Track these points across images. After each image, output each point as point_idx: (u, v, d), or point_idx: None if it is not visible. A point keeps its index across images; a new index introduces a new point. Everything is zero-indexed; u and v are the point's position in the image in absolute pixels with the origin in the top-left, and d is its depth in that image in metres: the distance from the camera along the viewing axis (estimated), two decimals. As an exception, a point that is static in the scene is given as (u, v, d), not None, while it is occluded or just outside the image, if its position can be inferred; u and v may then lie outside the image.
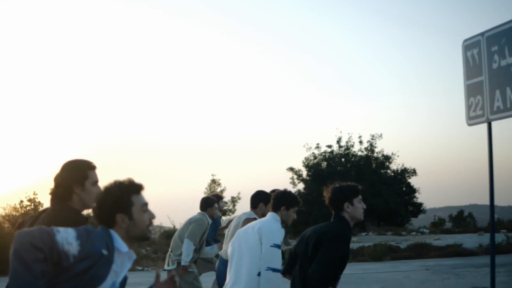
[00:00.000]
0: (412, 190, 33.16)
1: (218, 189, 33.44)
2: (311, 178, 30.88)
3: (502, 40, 6.54)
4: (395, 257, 17.57)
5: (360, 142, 31.96)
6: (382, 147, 34.81)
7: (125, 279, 2.59)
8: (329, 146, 31.67)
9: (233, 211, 33.39)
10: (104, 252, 2.39)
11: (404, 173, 32.79)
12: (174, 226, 26.76)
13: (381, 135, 31.84)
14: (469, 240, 21.01)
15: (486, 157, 6.77)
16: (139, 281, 11.72)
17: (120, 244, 2.49)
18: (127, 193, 2.52)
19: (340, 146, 31.92)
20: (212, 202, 7.50)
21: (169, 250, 7.63)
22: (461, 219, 42.69)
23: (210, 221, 7.52)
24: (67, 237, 2.32)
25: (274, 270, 4.28)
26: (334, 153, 31.69)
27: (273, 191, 5.31)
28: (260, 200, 5.71)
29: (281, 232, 4.54)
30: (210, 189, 33.46)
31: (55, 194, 3.20)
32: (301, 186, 31.34)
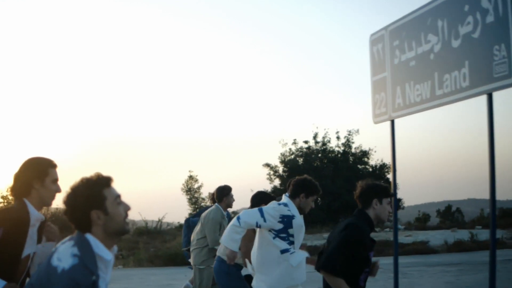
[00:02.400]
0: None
1: (196, 186, 33.21)
2: (287, 174, 30.56)
3: (403, 34, 6.23)
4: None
5: (338, 137, 31.67)
6: (360, 142, 34.54)
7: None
8: (306, 142, 31.38)
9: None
10: (92, 278, 2.30)
11: (383, 169, 32.47)
12: (146, 224, 26.51)
13: (357, 131, 31.58)
14: (440, 237, 20.71)
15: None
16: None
17: (102, 250, 2.39)
18: (97, 188, 2.41)
19: (316, 142, 31.62)
20: (228, 191, 7.34)
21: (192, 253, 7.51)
22: (449, 214, 42.59)
23: (224, 213, 7.36)
24: None
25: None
26: (311, 149, 31.39)
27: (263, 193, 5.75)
28: (262, 201, 5.50)
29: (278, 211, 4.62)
30: (187, 186, 33.21)
31: (13, 190, 3.24)
32: (277, 182, 30.99)
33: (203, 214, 7.41)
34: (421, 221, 35.89)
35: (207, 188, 33.42)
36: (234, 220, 4.68)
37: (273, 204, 4.77)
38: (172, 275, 13.83)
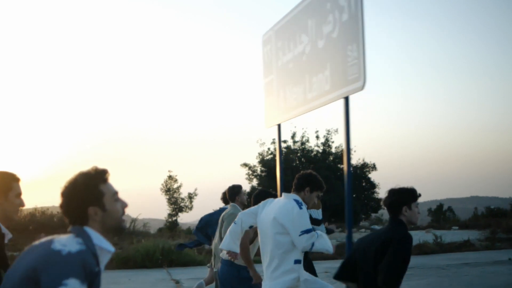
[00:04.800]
0: (372, 186, 32.51)
1: (175, 186, 32.93)
2: (265, 174, 30.27)
3: (285, 34, 5.90)
4: (316, 256, 16.95)
5: (317, 137, 31.35)
6: (341, 142, 34.13)
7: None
8: (284, 142, 31.04)
9: (190, 207, 32.88)
10: (96, 269, 2.23)
11: (364, 168, 32.12)
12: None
13: (337, 130, 31.22)
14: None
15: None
16: None
17: (102, 241, 2.33)
18: (95, 183, 2.35)
19: (294, 142, 31.29)
20: (239, 189, 7.18)
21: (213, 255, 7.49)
22: (440, 213, 42.24)
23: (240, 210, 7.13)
24: None
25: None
26: (290, 148, 31.06)
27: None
28: (263, 199, 5.35)
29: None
30: (166, 185, 32.94)
31: None
32: (256, 182, 30.70)
33: (224, 215, 7.17)
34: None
35: (186, 188, 33.19)
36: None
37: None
38: (115, 279, 13.51)
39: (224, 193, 7.74)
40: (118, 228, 2.43)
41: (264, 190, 5.78)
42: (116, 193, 2.43)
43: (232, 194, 7.09)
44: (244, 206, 7.26)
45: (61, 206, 2.38)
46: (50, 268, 2.13)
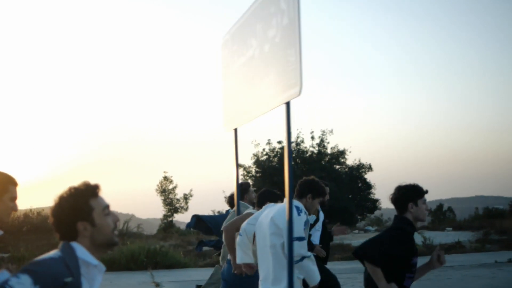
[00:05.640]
0: (368, 186, 32.40)
1: (170, 186, 32.93)
2: (260, 174, 30.22)
3: (239, 37, 5.81)
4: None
5: (312, 137, 31.28)
6: (336, 142, 34.04)
7: None
8: (279, 142, 30.97)
9: (185, 208, 32.87)
10: (67, 279, 2.20)
11: (359, 169, 32.02)
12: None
13: (331, 131, 31.15)
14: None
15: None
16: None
17: (87, 255, 2.32)
18: (84, 198, 2.34)
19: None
20: (247, 187, 7.23)
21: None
22: (440, 213, 42.06)
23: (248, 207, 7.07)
24: None
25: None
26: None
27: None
28: (267, 199, 5.36)
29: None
30: (161, 186, 32.94)
31: None
32: (250, 183, 30.66)
33: (233, 213, 7.08)
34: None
35: (182, 189, 33.18)
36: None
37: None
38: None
39: (230, 197, 7.59)
40: (109, 243, 2.40)
41: (268, 190, 5.71)
42: (106, 207, 2.40)
43: (241, 193, 6.97)
44: (253, 204, 7.15)
45: (52, 222, 2.37)
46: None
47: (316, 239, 6.79)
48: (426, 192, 4.17)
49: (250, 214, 5.37)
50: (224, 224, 6.41)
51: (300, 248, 4.50)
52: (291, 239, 4.48)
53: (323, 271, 5.92)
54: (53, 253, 2.30)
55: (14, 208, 3.28)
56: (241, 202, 6.92)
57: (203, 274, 12.04)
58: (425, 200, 4.14)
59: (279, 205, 4.72)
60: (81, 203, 2.33)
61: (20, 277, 2.16)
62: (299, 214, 4.54)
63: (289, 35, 4.44)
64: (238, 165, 6.18)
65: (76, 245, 2.32)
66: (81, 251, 2.31)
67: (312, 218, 6.40)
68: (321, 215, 7.08)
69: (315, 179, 4.83)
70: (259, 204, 5.51)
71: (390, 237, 4.04)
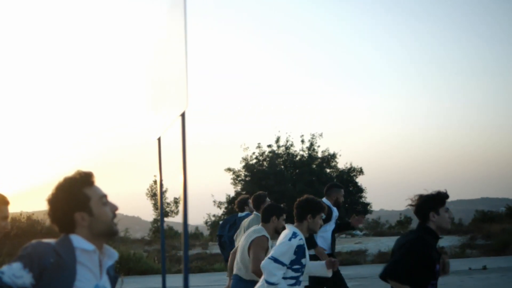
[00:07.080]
0: (359, 190, 32.22)
1: (161, 190, 32.82)
2: (249, 178, 30.12)
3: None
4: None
5: (302, 141, 31.16)
6: (327, 146, 33.85)
7: (115, 279, 2.44)
8: (269, 146, 30.89)
9: (176, 212, 32.80)
10: (51, 259, 2.18)
11: (350, 173, 31.85)
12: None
13: (321, 134, 31.03)
14: (386, 245, 20.05)
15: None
16: None
17: (82, 243, 2.28)
18: (79, 187, 2.30)
19: (279, 146, 31.13)
20: (264, 198, 7.12)
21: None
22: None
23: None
24: (13, 273, 2.15)
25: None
26: (275, 153, 30.89)
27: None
28: (273, 214, 5.47)
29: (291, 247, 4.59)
30: (151, 190, 32.91)
31: None
32: (240, 187, 30.55)
33: (245, 223, 7.03)
34: (403, 224, 35.20)
35: (172, 193, 33.11)
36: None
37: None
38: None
39: (239, 201, 7.66)
40: (109, 232, 2.36)
41: (273, 204, 5.75)
42: (104, 196, 2.36)
43: (258, 203, 6.97)
44: None
45: (48, 214, 2.34)
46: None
47: (327, 234, 7.33)
48: (447, 197, 4.13)
49: (260, 238, 5.37)
50: (244, 235, 6.14)
51: (275, 270, 4.49)
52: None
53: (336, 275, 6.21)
54: (47, 240, 2.28)
55: (6, 227, 3.30)
56: (256, 213, 6.97)
57: (174, 280, 11.95)
58: (447, 208, 4.11)
59: (284, 234, 4.77)
60: (76, 192, 2.29)
61: (12, 264, 2.18)
62: (290, 240, 4.58)
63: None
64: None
65: (73, 236, 2.29)
66: (77, 240, 2.28)
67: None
68: (335, 211, 7.40)
69: (309, 197, 4.85)
70: (264, 219, 5.52)
71: (412, 252, 3.95)
